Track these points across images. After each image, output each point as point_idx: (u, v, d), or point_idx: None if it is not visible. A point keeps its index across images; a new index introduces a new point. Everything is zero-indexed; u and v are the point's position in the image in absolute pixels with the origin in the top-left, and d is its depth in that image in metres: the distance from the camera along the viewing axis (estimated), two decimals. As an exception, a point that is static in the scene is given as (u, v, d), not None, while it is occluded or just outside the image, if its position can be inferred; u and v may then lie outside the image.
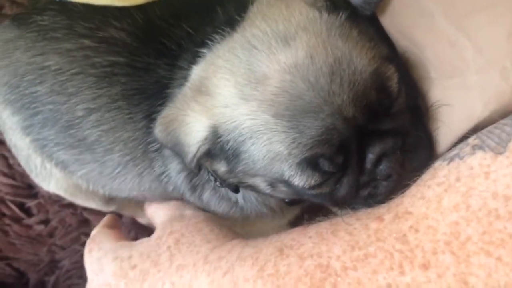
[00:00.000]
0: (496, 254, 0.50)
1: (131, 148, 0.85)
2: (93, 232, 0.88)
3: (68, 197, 1.01)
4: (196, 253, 0.71)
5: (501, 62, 0.59)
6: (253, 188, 0.78)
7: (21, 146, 0.93)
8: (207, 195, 0.89)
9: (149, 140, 0.83)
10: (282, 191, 0.74)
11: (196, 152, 0.71)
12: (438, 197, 0.56)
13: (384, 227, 0.59)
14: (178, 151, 0.75)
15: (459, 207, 0.54)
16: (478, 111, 0.61)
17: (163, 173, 0.87)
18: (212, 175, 0.80)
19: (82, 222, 1.23)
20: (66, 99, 0.84)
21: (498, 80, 0.59)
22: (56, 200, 1.20)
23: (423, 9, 0.63)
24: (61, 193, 1.00)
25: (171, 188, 0.89)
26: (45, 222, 1.23)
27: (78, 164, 0.90)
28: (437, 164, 0.61)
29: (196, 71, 0.73)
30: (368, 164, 0.66)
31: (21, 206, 1.21)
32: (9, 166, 1.18)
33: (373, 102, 0.63)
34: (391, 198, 0.63)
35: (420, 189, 0.59)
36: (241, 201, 0.89)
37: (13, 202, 1.20)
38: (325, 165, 0.64)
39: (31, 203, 1.21)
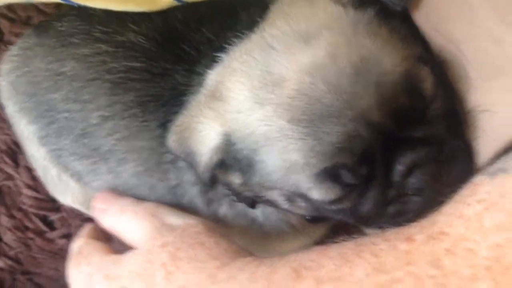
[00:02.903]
0: None
1: (145, 158, 0.81)
2: (79, 244, 0.81)
3: (85, 210, 0.97)
4: (200, 272, 0.63)
5: None
6: (270, 203, 0.72)
7: (38, 157, 0.91)
8: (223, 210, 0.83)
9: (163, 150, 0.78)
10: (301, 207, 0.68)
11: (208, 162, 0.66)
12: (478, 216, 0.50)
13: (416, 248, 0.52)
14: (191, 162, 0.71)
15: (503, 227, 0.48)
16: None
17: (177, 185, 0.82)
18: (227, 188, 0.74)
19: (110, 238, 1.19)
20: (81, 107, 0.81)
21: None
22: (78, 214, 1.17)
23: (462, 1, 0.56)
24: (78, 206, 0.97)
25: (185, 201, 0.83)
26: (68, 236, 1.19)
27: (93, 175, 0.87)
28: (478, 178, 0.54)
29: (212, 76, 0.69)
30: (397, 176, 0.59)
31: (44, 220, 1.18)
32: (33, 178, 1.15)
33: (403, 106, 0.57)
34: (423, 217, 0.56)
35: (458, 207, 0.53)
36: (260, 217, 0.83)
37: (36, 215, 1.17)
38: (346, 177, 0.58)
39: (54, 217, 1.19)
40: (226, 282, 0.61)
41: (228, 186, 0.73)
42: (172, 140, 0.72)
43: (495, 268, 0.46)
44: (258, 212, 0.83)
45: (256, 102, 0.61)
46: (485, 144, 0.59)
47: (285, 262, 0.60)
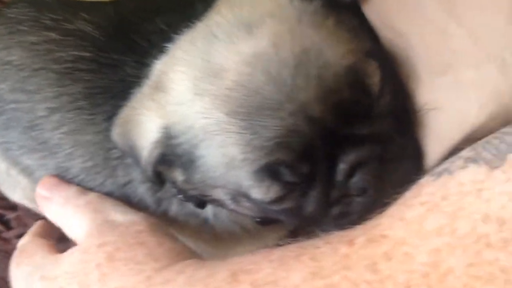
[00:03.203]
0: None
1: (93, 153, 0.77)
2: (22, 242, 0.77)
3: (35, 207, 0.93)
4: (137, 273, 0.59)
5: (499, 54, 0.49)
6: (218, 202, 0.69)
7: None
8: (173, 210, 0.80)
9: (110, 145, 0.75)
10: (246, 207, 0.65)
11: (149, 157, 0.62)
12: (420, 219, 0.47)
13: (355, 252, 0.50)
14: (135, 157, 0.67)
15: (443, 231, 0.45)
16: (472, 115, 0.51)
17: (127, 183, 0.79)
18: (173, 187, 0.71)
19: (63, 237, 1.15)
20: (28, 98, 0.78)
21: (496, 76, 0.49)
22: (35, 213, 1.13)
23: (410, -6, 0.54)
24: (27, 203, 0.93)
25: (135, 200, 0.79)
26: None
27: (42, 170, 0.83)
28: (424, 179, 0.52)
29: (157, 66, 0.66)
30: (340, 176, 0.56)
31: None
32: (-13, 175, 1.12)
33: (347, 101, 0.54)
34: (368, 218, 0.53)
35: (401, 209, 0.50)
36: (211, 218, 0.79)
37: (-9, 214, 1.13)
38: (286, 174, 0.55)
39: (10, 216, 1.14)
40: (163, 285, 0.57)
41: (174, 184, 0.70)
42: (116, 133, 0.69)
43: (432, 275, 0.43)
44: (209, 213, 0.79)
45: (197, 93, 0.58)
46: (433, 143, 0.57)
47: (226, 265, 0.57)
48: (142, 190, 0.79)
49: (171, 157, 0.63)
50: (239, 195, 0.62)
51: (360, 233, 0.51)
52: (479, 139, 0.50)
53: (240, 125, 0.55)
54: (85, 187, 0.79)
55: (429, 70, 0.56)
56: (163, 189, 0.77)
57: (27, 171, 0.85)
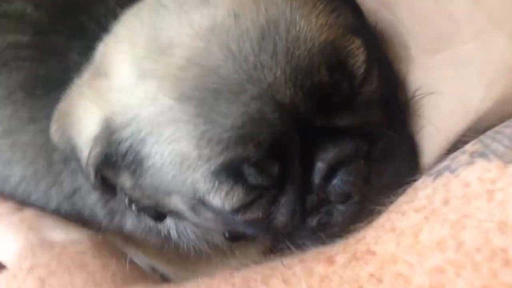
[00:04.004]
0: None
1: (33, 157, 0.67)
2: None
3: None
4: None
5: (508, 21, 0.41)
6: (176, 214, 0.59)
7: None
8: (129, 224, 0.69)
9: (53, 146, 0.64)
10: (207, 219, 0.55)
11: (88, 157, 0.52)
12: (414, 229, 0.40)
13: (334, 273, 0.43)
14: (76, 159, 0.57)
15: (445, 245, 0.38)
16: (476, 98, 0.44)
17: (74, 191, 0.68)
18: (123, 195, 0.60)
19: None
20: None
21: (504, 46, 0.41)
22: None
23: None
24: None
25: (86, 213, 0.69)
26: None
27: None
28: (420, 181, 0.44)
29: (100, 48, 0.55)
30: (317, 178, 0.47)
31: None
32: None
33: (324, 85, 0.45)
34: (351, 231, 0.46)
35: (392, 217, 0.43)
36: (173, 234, 0.68)
37: None
38: (251, 175, 0.46)
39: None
40: None
41: (123, 190, 0.59)
42: (53, 131, 0.58)
43: None
44: (171, 228, 0.68)
45: (141, 75, 0.48)
46: (431, 136, 0.50)
47: None
48: (91, 201, 0.68)
49: (115, 157, 0.52)
50: (198, 203, 0.51)
51: (341, 250, 0.44)
52: (487, 129, 0.42)
53: (193, 113, 0.45)
54: (27, 200, 0.69)
55: (422, 46, 0.48)
56: (114, 198, 0.67)
57: None
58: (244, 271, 0.49)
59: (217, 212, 0.51)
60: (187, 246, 0.69)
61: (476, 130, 0.43)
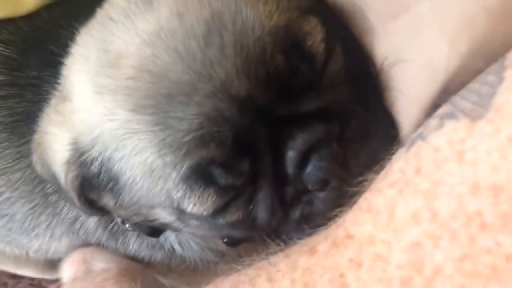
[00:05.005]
0: None
1: (28, 192, 0.66)
2: None
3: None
4: None
5: None
6: (167, 226, 0.56)
7: None
8: (133, 244, 0.67)
9: (44, 179, 0.63)
10: (195, 227, 0.52)
11: (66, 183, 0.51)
12: (390, 206, 0.37)
13: (316, 263, 0.41)
14: (58, 185, 0.55)
15: (420, 217, 0.35)
16: (442, 57, 0.40)
17: (75, 219, 0.67)
18: (117, 216, 0.59)
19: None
20: None
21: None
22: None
23: None
24: None
25: (93, 239, 0.68)
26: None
27: None
28: (396, 154, 0.41)
29: (63, 72, 0.54)
30: (290, 167, 0.44)
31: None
32: None
33: (281, 71, 0.42)
34: (335, 217, 0.42)
35: (368, 197, 0.40)
36: (177, 248, 0.66)
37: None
38: (220, 176, 0.43)
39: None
40: None
41: (112, 212, 0.57)
42: (34, 161, 0.57)
43: (415, 280, 0.33)
44: (174, 242, 0.67)
45: (96, 92, 0.46)
46: (405, 107, 0.45)
47: None
48: (92, 226, 0.68)
49: (92, 179, 0.51)
50: (180, 212, 0.49)
51: (323, 237, 0.42)
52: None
53: (150, 122, 0.43)
54: (36, 235, 0.70)
55: (380, 15, 0.44)
56: (111, 221, 0.66)
57: None
58: (233, 275, 0.48)
59: (200, 218, 0.48)
60: (192, 257, 0.68)
61: (451, 92, 0.38)
